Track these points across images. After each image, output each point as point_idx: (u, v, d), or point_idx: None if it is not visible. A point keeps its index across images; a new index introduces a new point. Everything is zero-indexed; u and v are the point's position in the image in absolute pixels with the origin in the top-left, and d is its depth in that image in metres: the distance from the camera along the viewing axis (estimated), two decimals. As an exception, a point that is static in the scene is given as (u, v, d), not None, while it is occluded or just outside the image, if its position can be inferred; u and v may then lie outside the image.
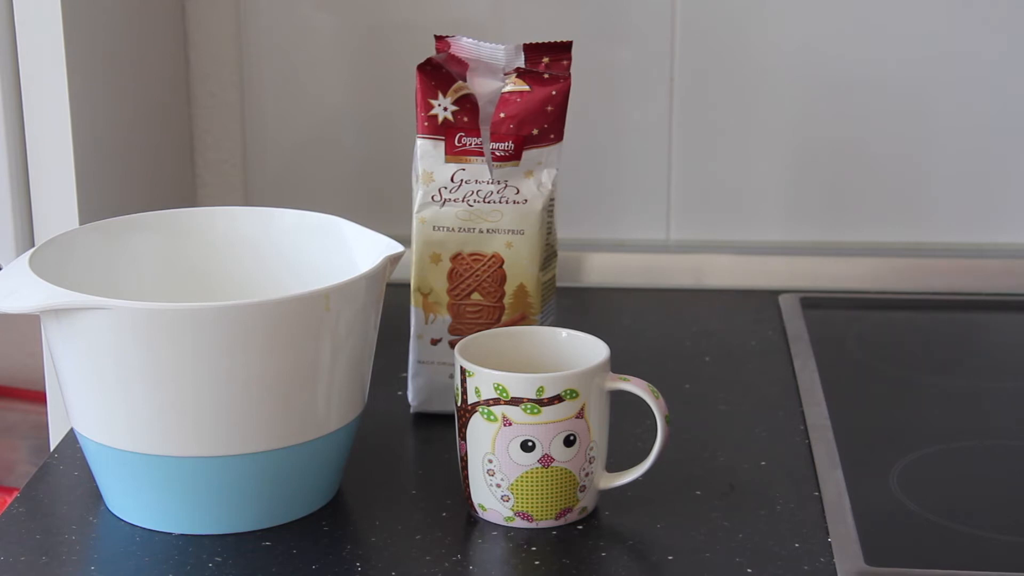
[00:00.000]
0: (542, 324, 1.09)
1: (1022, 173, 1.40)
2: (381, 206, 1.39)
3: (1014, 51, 1.37)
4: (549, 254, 1.10)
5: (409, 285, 1.10)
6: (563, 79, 1.06)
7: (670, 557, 0.94)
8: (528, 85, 1.06)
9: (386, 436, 1.09)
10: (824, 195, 1.41)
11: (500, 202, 1.07)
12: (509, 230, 1.07)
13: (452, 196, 1.07)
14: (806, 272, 1.39)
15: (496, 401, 0.94)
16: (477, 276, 1.08)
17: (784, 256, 1.39)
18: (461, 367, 0.96)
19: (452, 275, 1.09)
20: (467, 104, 1.06)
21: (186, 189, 1.43)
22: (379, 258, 0.98)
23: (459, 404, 0.97)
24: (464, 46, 1.10)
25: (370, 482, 1.03)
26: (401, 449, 1.10)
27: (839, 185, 1.41)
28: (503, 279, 1.08)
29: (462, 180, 1.07)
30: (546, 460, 0.95)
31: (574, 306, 1.32)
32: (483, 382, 0.95)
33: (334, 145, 1.44)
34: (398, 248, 1.00)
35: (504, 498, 0.96)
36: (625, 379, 0.97)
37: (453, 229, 1.08)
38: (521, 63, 1.08)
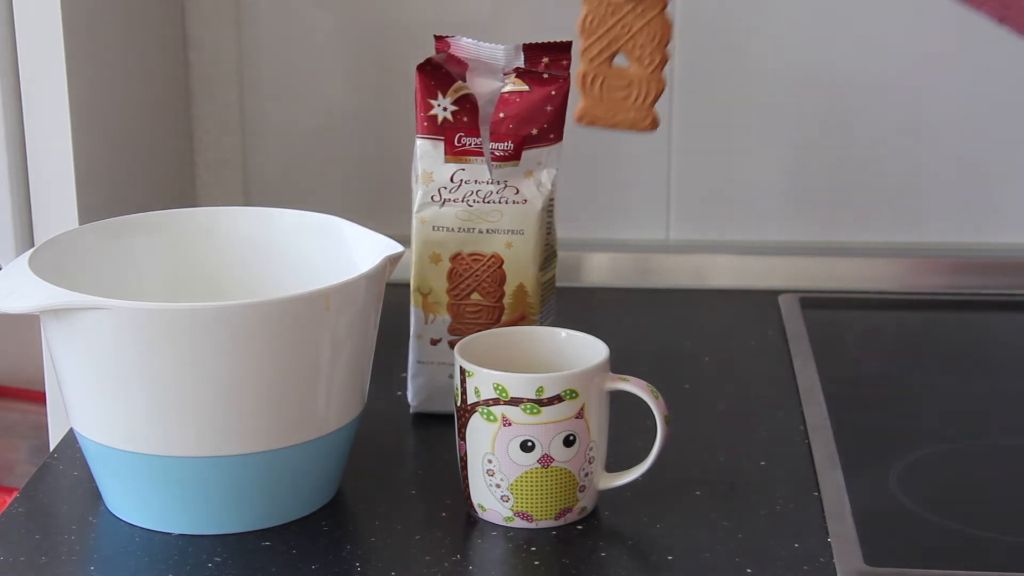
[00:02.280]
0: (542, 324, 1.09)
1: (1022, 173, 1.40)
2: (381, 206, 1.39)
3: (1014, 51, 1.37)
4: (549, 254, 1.10)
5: (409, 285, 1.10)
6: (562, 79, 1.06)
7: (670, 557, 0.94)
8: (528, 85, 1.06)
9: (386, 436, 1.09)
10: (824, 195, 1.41)
11: (500, 202, 1.07)
12: (509, 230, 1.07)
13: (452, 196, 1.07)
14: (806, 272, 1.39)
15: (496, 401, 0.94)
16: (477, 276, 1.08)
17: (784, 256, 1.39)
18: (461, 367, 0.96)
19: (452, 275, 1.09)
20: (467, 104, 1.06)
21: (186, 189, 1.43)
22: (379, 258, 0.98)
23: (459, 404, 0.97)
24: (464, 46, 1.10)
25: (370, 482, 1.03)
26: (401, 449, 1.10)
27: (839, 185, 1.41)
28: (503, 279, 1.08)
29: (462, 180, 1.07)
30: (546, 460, 0.95)
31: (574, 306, 1.32)
32: (483, 382, 0.95)
33: (334, 145, 1.44)
34: (398, 248, 1.00)
35: (504, 498, 0.96)
36: (625, 379, 0.97)
37: (453, 229, 1.08)
38: (521, 63, 1.08)
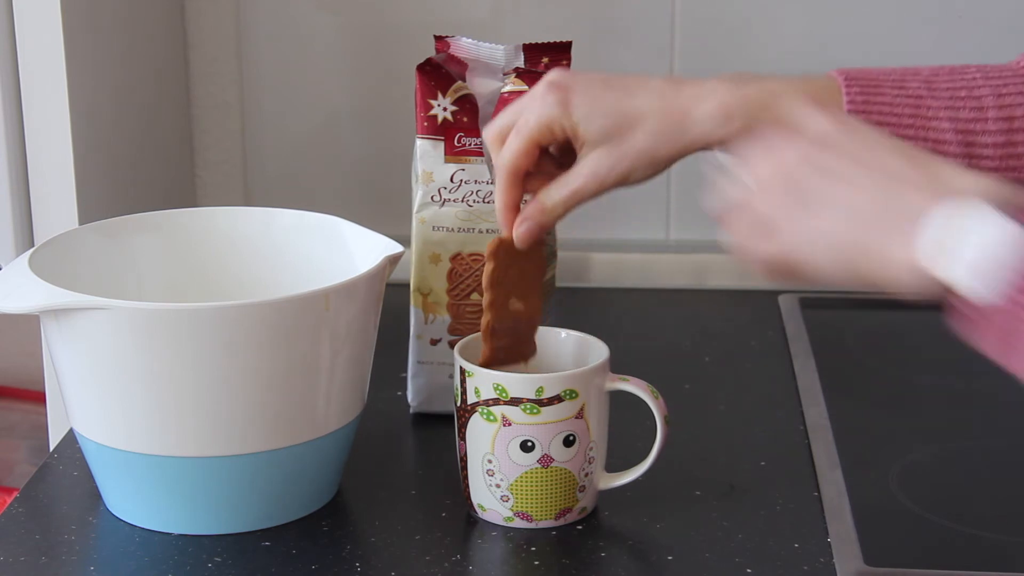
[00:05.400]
0: (542, 324, 1.09)
1: (1022, 173, 1.40)
2: (381, 206, 1.39)
3: (1015, 53, 1.37)
4: (548, 254, 1.10)
5: (409, 285, 1.10)
6: (563, 79, 1.06)
7: (670, 557, 0.94)
8: (527, 85, 1.06)
9: (386, 436, 1.09)
10: (824, 195, 1.41)
11: (500, 202, 1.07)
12: (509, 230, 1.07)
13: (452, 196, 1.07)
14: (806, 272, 1.39)
15: (495, 401, 0.94)
16: (477, 276, 1.08)
17: (784, 256, 1.39)
18: (460, 367, 0.96)
19: (452, 275, 1.09)
20: (466, 104, 1.06)
21: (186, 189, 1.43)
22: (379, 258, 0.98)
23: (458, 404, 0.97)
24: (464, 46, 1.10)
25: (370, 482, 1.03)
26: (401, 449, 1.10)
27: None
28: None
29: (462, 180, 1.07)
30: (545, 460, 0.95)
31: (574, 306, 1.32)
32: (482, 382, 0.95)
33: (334, 145, 1.44)
34: (397, 248, 1.00)
35: (504, 498, 0.96)
36: (625, 379, 0.97)
37: (453, 229, 1.08)
38: (521, 63, 1.08)
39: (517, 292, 0.96)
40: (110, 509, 0.99)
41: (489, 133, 0.94)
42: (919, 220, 0.71)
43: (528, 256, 0.95)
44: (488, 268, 0.94)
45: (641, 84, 0.93)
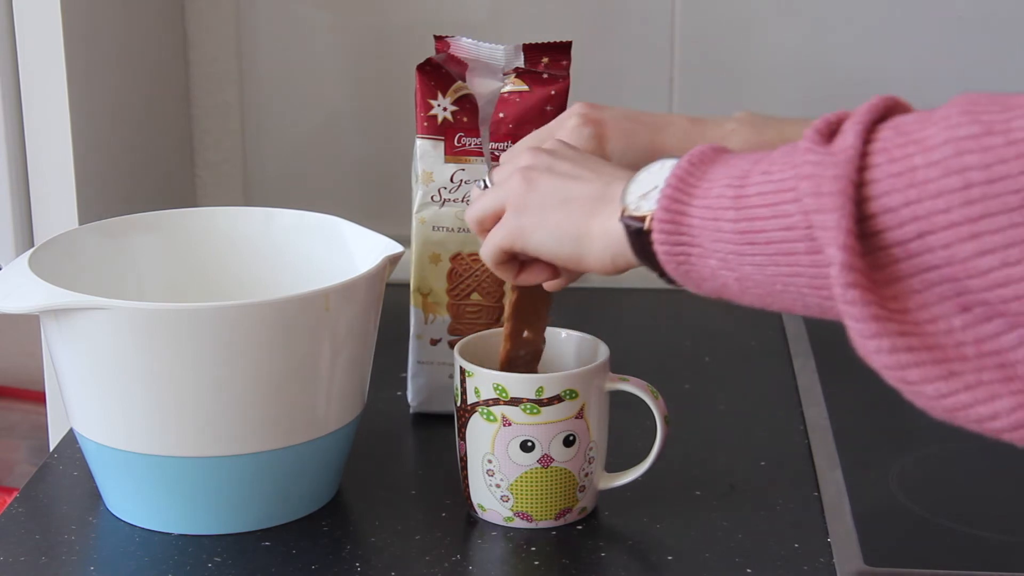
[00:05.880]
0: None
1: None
2: (381, 206, 1.39)
3: (1014, 53, 1.37)
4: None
5: (409, 285, 1.10)
6: (562, 79, 1.06)
7: (670, 557, 0.94)
8: (527, 85, 1.06)
9: (386, 436, 1.09)
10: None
11: (500, 202, 1.07)
12: (509, 230, 1.07)
13: (451, 196, 1.07)
14: (806, 272, 1.39)
15: (495, 401, 0.94)
16: (476, 276, 1.08)
17: (784, 256, 1.39)
18: (460, 367, 0.96)
19: (452, 275, 1.09)
20: (466, 104, 1.06)
21: (186, 189, 1.43)
22: (379, 258, 0.98)
23: (458, 404, 0.97)
24: (463, 46, 1.10)
25: (370, 482, 1.03)
26: (401, 449, 1.10)
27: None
28: (502, 279, 1.08)
29: (462, 180, 1.07)
30: (545, 460, 0.95)
31: (574, 306, 1.32)
32: (482, 382, 0.95)
33: (334, 145, 1.44)
34: (397, 248, 1.00)
35: (504, 498, 0.96)
36: (625, 379, 0.97)
37: (452, 229, 1.08)
38: (520, 63, 1.08)
39: (529, 322, 0.97)
40: (110, 509, 0.99)
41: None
42: (623, 199, 0.81)
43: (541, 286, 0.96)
44: (512, 298, 0.96)
45: (667, 122, 0.96)
